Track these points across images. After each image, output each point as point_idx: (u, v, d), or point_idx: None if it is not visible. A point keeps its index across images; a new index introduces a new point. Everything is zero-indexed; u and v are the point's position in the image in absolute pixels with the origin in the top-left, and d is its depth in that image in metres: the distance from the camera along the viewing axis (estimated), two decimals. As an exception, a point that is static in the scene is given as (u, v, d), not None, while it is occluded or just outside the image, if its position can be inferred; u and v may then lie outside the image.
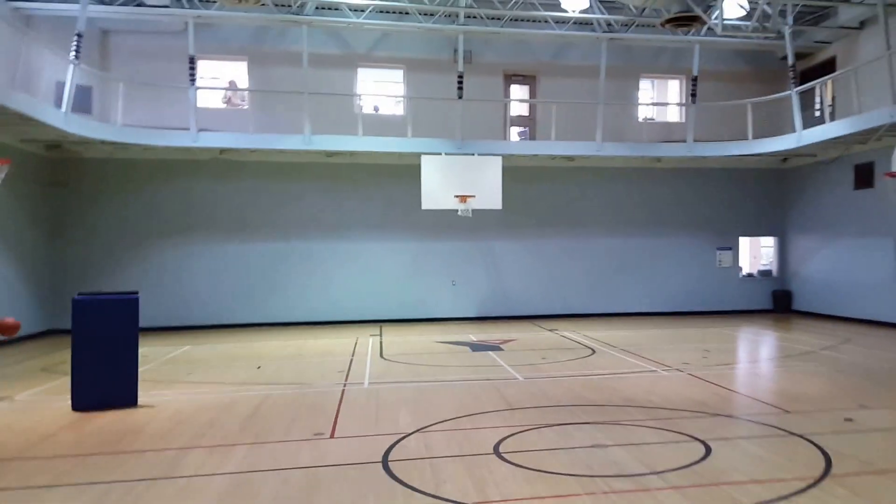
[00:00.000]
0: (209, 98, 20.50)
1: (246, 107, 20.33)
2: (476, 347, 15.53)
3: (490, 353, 14.63)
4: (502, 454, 7.13)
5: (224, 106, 20.62)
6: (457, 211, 18.63)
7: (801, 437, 7.62)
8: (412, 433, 8.03)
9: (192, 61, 18.28)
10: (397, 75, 21.27)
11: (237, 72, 20.55)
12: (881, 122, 15.87)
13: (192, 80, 18.29)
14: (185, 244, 19.88)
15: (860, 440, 7.53)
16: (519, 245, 21.61)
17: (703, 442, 7.43)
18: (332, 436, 8.06)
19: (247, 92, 20.30)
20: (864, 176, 19.06)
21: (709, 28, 18.45)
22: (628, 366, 12.71)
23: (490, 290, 21.48)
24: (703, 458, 6.88)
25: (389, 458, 7.06)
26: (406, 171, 19.62)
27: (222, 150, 19.28)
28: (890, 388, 10.49)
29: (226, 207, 20.14)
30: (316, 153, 19.62)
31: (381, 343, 16.42)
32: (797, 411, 8.90)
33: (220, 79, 20.71)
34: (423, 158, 18.45)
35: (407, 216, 20.52)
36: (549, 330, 18.53)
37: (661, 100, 23.12)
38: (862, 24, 18.77)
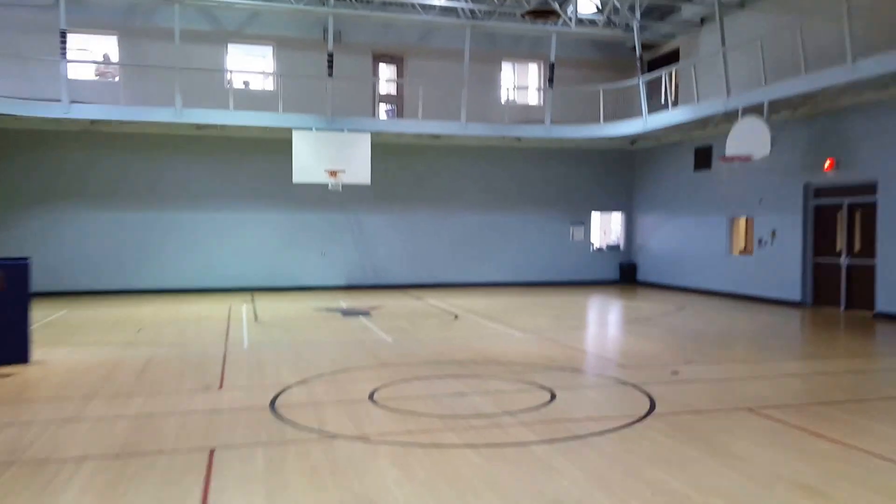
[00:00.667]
0: (81, 71, 20.33)
1: (117, 79, 20.19)
2: (347, 313, 16.32)
3: (360, 317, 15.47)
4: (376, 400, 7.99)
5: (97, 78, 20.49)
6: (327, 185, 19.34)
7: (633, 385, 8.91)
8: (294, 384, 8.76)
9: (63, 35, 18.01)
10: (267, 52, 21.56)
11: (108, 46, 20.44)
12: (715, 110, 17.79)
13: (63, 54, 18.01)
14: (56, 213, 19.89)
15: (682, 388, 8.89)
16: (387, 218, 22.52)
17: (549, 390, 8.56)
18: (220, 387, 8.69)
19: (118, 65, 20.12)
20: (703, 159, 21.15)
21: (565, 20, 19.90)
22: (488, 329, 13.88)
23: (359, 260, 22.31)
24: (549, 402, 8.00)
25: (276, 404, 7.77)
26: (277, 146, 20.10)
27: (93, 122, 19.10)
28: (713, 347, 12.15)
29: (98, 177, 20.23)
30: (187, 126, 19.82)
31: (254, 310, 16.89)
32: (633, 366, 10.26)
33: (90, 51, 20.52)
34: (295, 133, 19.10)
35: (278, 189, 20.99)
36: (416, 298, 19.54)
37: (521, 84, 24.46)
38: (703, 21, 20.73)
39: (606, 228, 25.81)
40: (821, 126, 16.65)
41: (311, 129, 19.38)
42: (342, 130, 19.59)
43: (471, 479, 5.48)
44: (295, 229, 21.76)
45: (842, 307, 16.14)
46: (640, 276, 24.39)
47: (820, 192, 16.98)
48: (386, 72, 22.92)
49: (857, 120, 15.67)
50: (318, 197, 21.21)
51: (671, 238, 22.82)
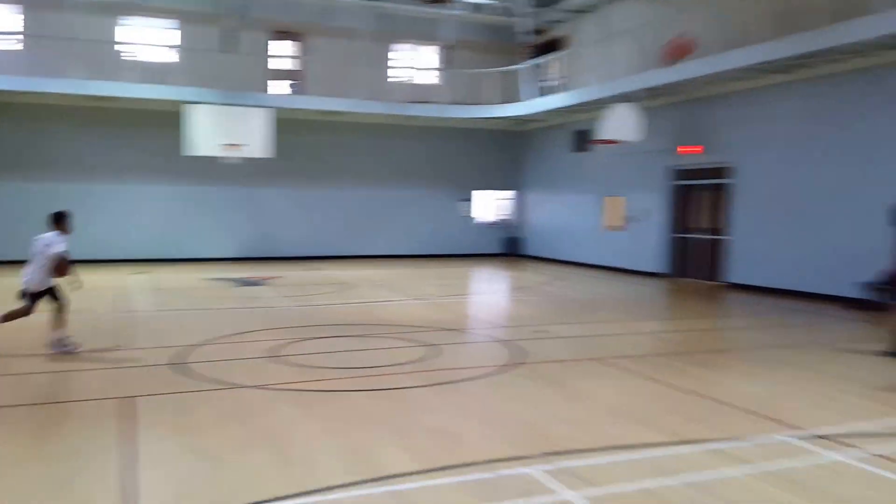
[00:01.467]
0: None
1: (19, 48, 19.84)
2: (244, 282, 16.89)
3: (257, 286, 16.11)
4: (275, 357, 8.83)
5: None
6: (224, 158, 19.66)
7: (507, 341, 10.08)
8: (196, 345, 9.46)
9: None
10: (170, 25, 21.45)
11: (7, 14, 20.02)
12: (591, 97, 19.21)
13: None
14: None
15: (549, 343, 10.12)
16: (284, 192, 22.99)
17: (434, 346, 9.63)
18: (124, 348, 9.30)
19: (19, 35, 19.75)
20: (582, 141, 22.64)
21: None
22: (381, 296, 14.85)
23: (256, 232, 22.74)
24: (432, 357, 9.05)
25: (181, 361, 8.48)
26: (174, 119, 20.05)
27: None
28: (581, 311, 13.54)
29: (-5, 148, 19.91)
30: (86, 98, 19.58)
31: (151, 280, 17.21)
32: (509, 326, 11.46)
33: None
34: (192, 107, 19.24)
35: (175, 161, 20.96)
36: (312, 269, 20.26)
37: (418, 64, 25.32)
38: (589, 9, 22.05)
39: (497, 205, 27.11)
40: (687, 113, 18.30)
41: (209, 102, 19.57)
42: (241, 105, 19.88)
43: (360, 415, 6.45)
44: (191, 201, 21.95)
45: (700, 278, 17.97)
46: (526, 250, 25.84)
47: (682, 173, 18.72)
48: (286, 48, 23.22)
49: (718, 108, 17.36)
50: (215, 170, 21.27)
51: (554, 214, 24.31)
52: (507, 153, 26.08)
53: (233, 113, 19.64)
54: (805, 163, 15.09)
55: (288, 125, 21.96)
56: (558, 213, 23.99)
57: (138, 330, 10.65)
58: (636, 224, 20.06)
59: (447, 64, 22.76)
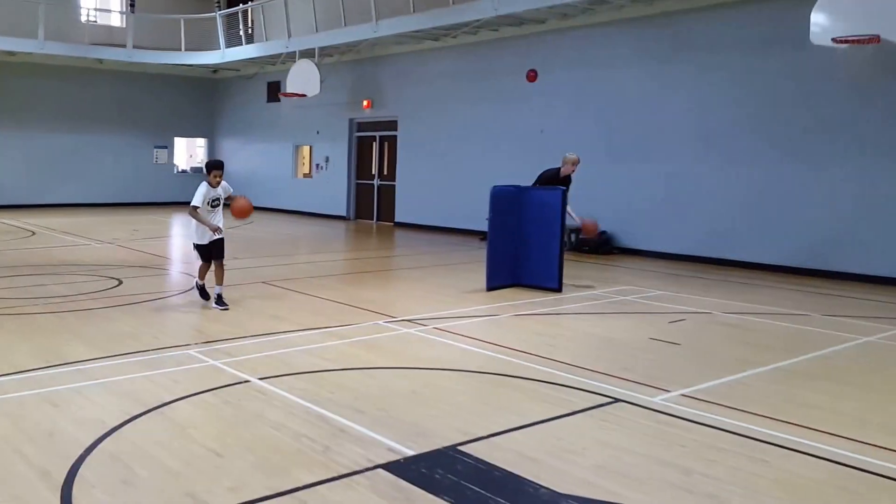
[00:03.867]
0: None
1: None
2: None
3: (-74, 234, 15.70)
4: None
5: None
6: None
7: (185, 273, 11.58)
8: None
9: None
10: None
11: None
12: (279, 50, 20.85)
13: None
14: None
15: (227, 273, 11.82)
16: None
17: (118, 279, 10.88)
18: None
19: None
20: (274, 92, 24.14)
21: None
22: (66, 241, 15.40)
23: None
24: (116, 287, 10.34)
25: None
26: None
27: None
28: (263, 248, 15.36)
29: None
30: None
31: None
32: (189, 262, 12.96)
33: None
34: None
35: None
36: (-11, 217, 19.73)
37: (104, 6, 24.93)
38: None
39: (193, 152, 27.74)
40: (362, 71, 20.69)
41: None
42: None
43: (52, 330, 7.68)
44: None
45: (374, 219, 20.67)
46: (224, 197, 26.87)
47: (361, 126, 21.19)
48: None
49: (386, 67, 19.95)
50: None
51: (249, 162, 25.62)
52: (202, 101, 26.74)
53: None
54: (453, 118, 18.15)
55: None
56: (255, 161, 25.36)
57: None
58: (321, 172, 22.23)
59: (133, 7, 22.82)
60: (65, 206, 23.51)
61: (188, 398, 5.64)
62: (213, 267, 9.09)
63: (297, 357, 6.87)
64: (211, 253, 9.04)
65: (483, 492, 4.09)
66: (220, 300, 8.91)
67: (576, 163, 10.96)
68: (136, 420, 5.14)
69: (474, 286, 10.76)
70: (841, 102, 11.89)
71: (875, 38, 10.38)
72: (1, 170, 22.78)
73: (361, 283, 11.10)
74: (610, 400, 5.78)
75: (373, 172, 20.94)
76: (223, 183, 9.02)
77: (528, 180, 11.29)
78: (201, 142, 27.55)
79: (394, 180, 19.99)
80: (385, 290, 10.40)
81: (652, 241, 14.24)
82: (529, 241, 10.54)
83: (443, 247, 15.66)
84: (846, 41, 10.66)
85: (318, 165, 22.47)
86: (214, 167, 8.92)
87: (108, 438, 4.78)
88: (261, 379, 6.05)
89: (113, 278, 10.91)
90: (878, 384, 6.47)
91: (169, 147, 26.33)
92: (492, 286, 10.34)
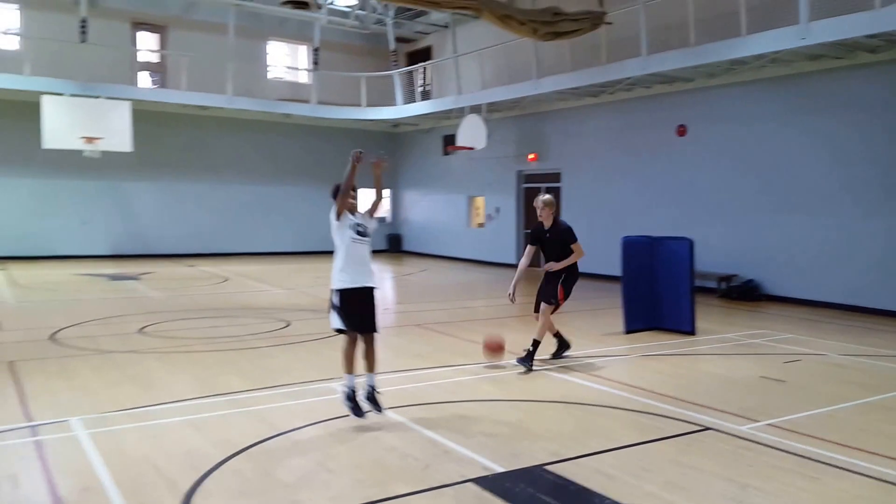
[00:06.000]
0: None
1: None
2: (115, 277, 18.26)
3: (129, 281, 17.67)
4: (145, 332, 10.85)
5: None
6: (82, 152, 19.93)
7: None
8: (71, 326, 11.27)
9: None
10: (11, 9, 21.85)
11: None
12: (450, 106, 21.91)
13: None
14: None
15: (383, 317, 12.51)
16: (153, 186, 23.89)
17: (286, 321, 11.85)
18: (3, 329, 11.03)
19: None
20: (449, 145, 25.21)
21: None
22: (253, 287, 16.91)
23: (124, 229, 23.51)
24: (284, 328, 11.27)
25: (55, 337, 10.34)
26: (26, 109, 20.07)
27: None
28: (426, 293, 16.05)
29: None
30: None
31: (11, 276, 17.99)
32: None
33: None
34: (45, 98, 19.29)
35: (28, 154, 21.06)
36: (188, 266, 21.86)
37: (291, 63, 27.26)
38: (449, 24, 24.61)
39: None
40: (528, 125, 21.36)
41: (62, 94, 19.64)
42: (98, 97, 20.19)
43: (216, 365, 8.63)
44: (50, 195, 22.18)
45: (541, 267, 20.83)
46: (405, 246, 28.24)
47: (528, 178, 21.75)
48: (147, 40, 24.32)
49: (550, 122, 20.63)
50: (74, 163, 21.65)
51: (427, 212, 26.85)
52: (380, 153, 28.11)
53: (91, 105, 19.82)
54: (612, 170, 18.64)
55: (153, 118, 22.54)
56: (432, 211, 26.54)
57: (9, 316, 12.21)
58: (493, 221, 22.87)
59: (317, 65, 24.52)
60: (259, 254, 25.40)
61: (318, 424, 6.22)
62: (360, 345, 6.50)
63: (428, 390, 7.34)
64: (360, 319, 6.36)
65: (554, 502, 4.63)
66: (372, 397, 6.27)
67: (548, 204, 8.96)
68: (266, 442, 5.77)
69: (614, 329, 11.00)
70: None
71: None
72: (200, 219, 24.83)
73: (507, 326, 11.37)
74: (700, 428, 6.16)
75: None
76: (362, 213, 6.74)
77: (679, 230, 12.08)
78: (387, 192, 29.00)
79: (558, 230, 20.26)
80: (527, 332, 10.57)
81: (796, 288, 14.71)
82: (662, 287, 11.10)
83: (598, 292, 15.57)
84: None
85: (489, 215, 23.14)
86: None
87: (238, 457, 5.41)
88: (389, 408, 6.52)
89: (282, 320, 11.89)
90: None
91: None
92: (630, 329, 10.84)
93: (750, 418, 6.47)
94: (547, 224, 8.95)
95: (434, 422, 6.25)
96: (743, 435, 6.00)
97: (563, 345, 9.19)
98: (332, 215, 6.54)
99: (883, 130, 13.25)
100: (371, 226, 6.71)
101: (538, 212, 8.99)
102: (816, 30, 12.60)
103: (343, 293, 6.32)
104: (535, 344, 8.52)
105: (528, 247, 9.17)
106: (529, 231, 9.45)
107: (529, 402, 7.05)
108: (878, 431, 6.21)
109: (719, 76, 15.79)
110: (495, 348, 8.59)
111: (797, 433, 6.06)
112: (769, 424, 6.31)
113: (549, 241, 8.93)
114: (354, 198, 6.70)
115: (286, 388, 7.53)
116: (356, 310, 6.31)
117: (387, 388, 7.25)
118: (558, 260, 8.84)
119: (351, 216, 6.58)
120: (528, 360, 8.39)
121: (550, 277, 8.85)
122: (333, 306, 6.36)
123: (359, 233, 6.55)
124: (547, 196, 9.11)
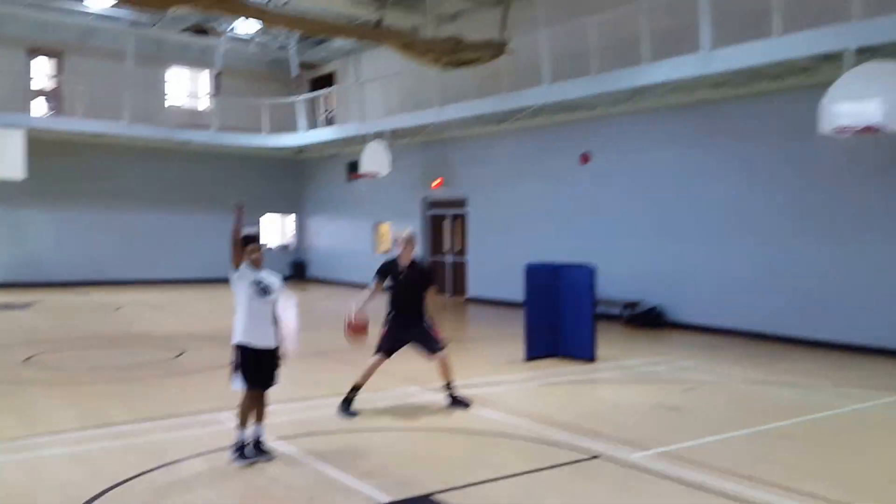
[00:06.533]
0: None
1: None
2: (2, 307, 17.47)
3: (16, 311, 16.98)
4: (30, 362, 10.45)
5: None
6: None
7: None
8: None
9: None
10: None
11: None
12: (353, 132, 21.98)
13: None
14: None
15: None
16: (48, 214, 23.18)
17: (181, 350, 11.58)
18: None
19: None
20: (353, 171, 25.21)
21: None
22: (147, 316, 16.54)
23: (14, 256, 22.65)
24: (177, 357, 11.04)
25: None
26: None
27: None
28: (322, 320, 15.99)
29: None
30: None
31: None
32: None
33: None
34: None
35: None
36: (81, 294, 21.19)
37: (190, 89, 26.83)
38: (353, 51, 24.74)
39: (283, 229, 29.02)
40: (433, 152, 21.58)
41: None
42: None
43: (101, 397, 8.41)
44: None
45: (448, 294, 21.08)
46: (310, 272, 27.96)
47: (433, 204, 21.94)
48: (43, 66, 23.64)
49: (455, 149, 20.86)
50: None
51: (332, 239, 26.73)
52: (289, 179, 27.94)
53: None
54: (517, 196, 18.85)
55: (47, 146, 21.94)
56: (337, 237, 26.43)
57: None
58: (396, 248, 22.92)
59: (218, 90, 24.28)
60: (157, 282, 24.65)
61: (203, 455, 6.14)
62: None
63: (322, 420, 7.40)
64: (262, 378, 6.16)
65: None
66: (259, 447, 6.09)
67: (408, 241, 8.24)
68: (149, 473, 5.75)
69: (514, 357, 11.11)
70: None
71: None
72: (97, 247, 24.07)
73: (410, 356, 11.43)
74: (590, 456, 6.27)
75: (445, 249, 21.49)
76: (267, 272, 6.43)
77: (585, 257, 12.23)
78: (290, 219, 28.75)
79: (465, 255, 20.49)
80: (421, 361, 10.68)
81: (701, 315, 14.66)
82: (565, 315, 11.21)
83: (502, 319, 15.83)
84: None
85: (395, 241, 23.18)
86: (251, 241, 6.42)
87: (117, 489, 5.41)
88: (280, 439, 6.53)
89: (177, 349, 11.64)
90: (844, 443, 7.04)
91: (258, 224, 27.28)
92: (531, 356, 10.92)
93: (641, 446, 6.54)
94: (404, 262, 8.11)
95: (324, 453, 6.26)
96: (632, 463, 6.07)
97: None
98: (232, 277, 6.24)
99: (787, 158, 13.32)
100: (275, 283, 6.36)
101: (396, 247, 8.23)
102: (718, 58, 12.85)
103: (245, 351, 6.11)
104: (354, 388, 7.83)
105: (375, 282, 8.27)
106: (381, 265, 8.42)
107: (423, 432, 7.16)
108: (774, 460, 6.26)
109: (622, 104, 15.78)
110: (359, 329, 8.08)
111: (688, 461, 6.12)
112: (660, 452, 6.36)
113: (401, 283, 8.11)
114: (259, 251, 6.35)
115: (173, 419, 7.41)
116: (259, 368, 6.11)
117: (282, 417, 7.22)
118: (405, 304, 8.15)
119: (251, 271, 6.24)
120: (346, 407, 7.63)
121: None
122: (235, 365, 6.11)
123: (261, 290, 6.20)
124: (409, 230, 8.41)
